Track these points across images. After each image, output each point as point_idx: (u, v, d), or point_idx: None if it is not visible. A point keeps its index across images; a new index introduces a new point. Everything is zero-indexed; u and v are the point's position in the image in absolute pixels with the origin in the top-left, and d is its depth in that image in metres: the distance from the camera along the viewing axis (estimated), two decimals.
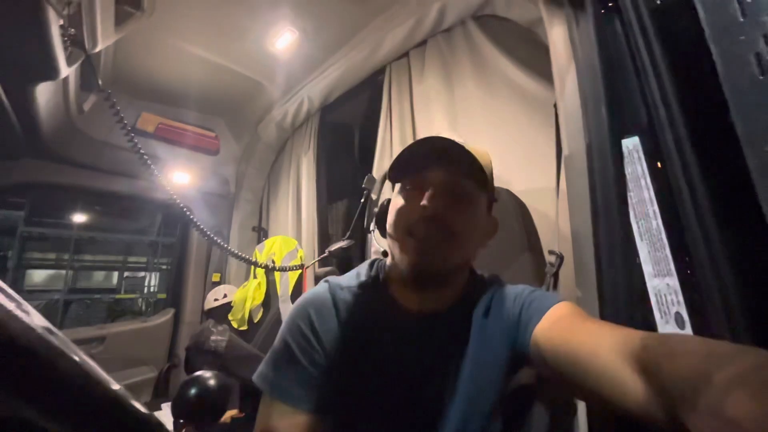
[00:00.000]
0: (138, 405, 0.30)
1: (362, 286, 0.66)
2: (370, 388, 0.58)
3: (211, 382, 0.57)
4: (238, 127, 2.30)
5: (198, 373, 0.59)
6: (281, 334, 0.64)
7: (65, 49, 1.09)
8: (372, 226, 0.69)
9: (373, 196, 1.47)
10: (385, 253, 0.72)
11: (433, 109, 1.51)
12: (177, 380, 2.11)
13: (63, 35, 1.03)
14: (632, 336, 0.44)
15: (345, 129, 2.39)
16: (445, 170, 0.59)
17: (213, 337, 1.59)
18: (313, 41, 1.64)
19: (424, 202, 0.57)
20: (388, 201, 0.67)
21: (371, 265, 0.71)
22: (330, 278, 0.69)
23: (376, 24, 1.57)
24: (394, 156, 0.60)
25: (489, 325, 0.60)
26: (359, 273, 0.69)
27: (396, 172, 0.63)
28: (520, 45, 1.28)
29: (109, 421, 0.28)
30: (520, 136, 1.24)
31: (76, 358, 0.26)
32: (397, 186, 0.64)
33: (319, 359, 0.60)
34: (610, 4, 0.66)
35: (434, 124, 1.47)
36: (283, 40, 1.62)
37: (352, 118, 2.35)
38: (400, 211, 0.61)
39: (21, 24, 0.94)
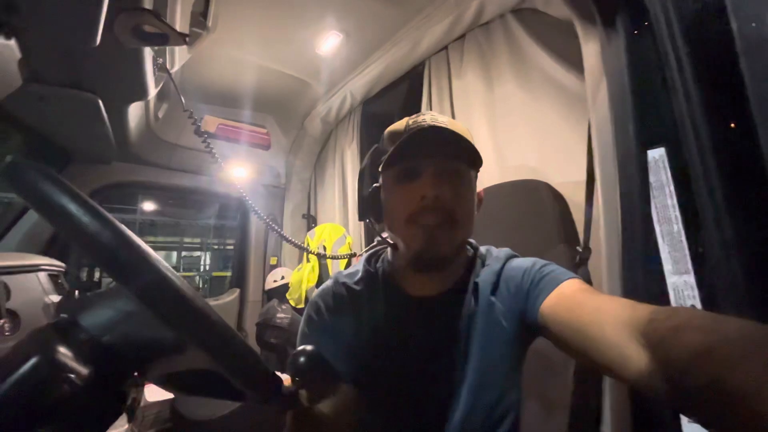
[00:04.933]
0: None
1: (366, 276, 0.69)
2: (382, 370, 0.61)
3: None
4: (286, 122, 2.48)
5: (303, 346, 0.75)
6: (300, 326, 0.70)
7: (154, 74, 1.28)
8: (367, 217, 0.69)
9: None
10: (380, 241, 0.74)
11: (472, 103, 1.57)
12: None
13: (154, 64, 1.21)
14: (639, 309, 0.44)
15: (386, 119, 2.49)
16: (437, 156, 0.59)
17: (279, 315, 1.83)
18: (355, 42, 1.74)
19: (424, 192, 0.57)
20: (377, 188, 0.65)
21: (370, 258, 0.73)
22: (336, 273, 0.73)
23: (415, 22, 1.63)
24: None
25: (497, 300, 0.61)
26: (363, 266, 0.71)
27: (389, 163, 0.61)
28: (559, 37, 1.29)
29: (244, 361, 0.36)
30: (557, 129, 1.28)
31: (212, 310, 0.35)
32: (389, 175, 0.63)
33: (337, 341, 0.63)
34: (644, 24, 0.71)
35: (474, 118, 1.54)
36: (328, 43, 1.73)
37: (392, 108, 2.43)
38: (398, 201, 0.61)
39: (124, 57, 1.12)
